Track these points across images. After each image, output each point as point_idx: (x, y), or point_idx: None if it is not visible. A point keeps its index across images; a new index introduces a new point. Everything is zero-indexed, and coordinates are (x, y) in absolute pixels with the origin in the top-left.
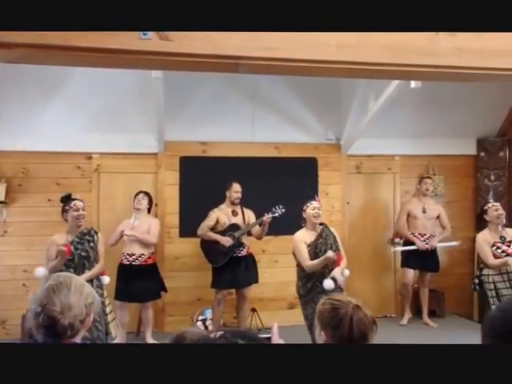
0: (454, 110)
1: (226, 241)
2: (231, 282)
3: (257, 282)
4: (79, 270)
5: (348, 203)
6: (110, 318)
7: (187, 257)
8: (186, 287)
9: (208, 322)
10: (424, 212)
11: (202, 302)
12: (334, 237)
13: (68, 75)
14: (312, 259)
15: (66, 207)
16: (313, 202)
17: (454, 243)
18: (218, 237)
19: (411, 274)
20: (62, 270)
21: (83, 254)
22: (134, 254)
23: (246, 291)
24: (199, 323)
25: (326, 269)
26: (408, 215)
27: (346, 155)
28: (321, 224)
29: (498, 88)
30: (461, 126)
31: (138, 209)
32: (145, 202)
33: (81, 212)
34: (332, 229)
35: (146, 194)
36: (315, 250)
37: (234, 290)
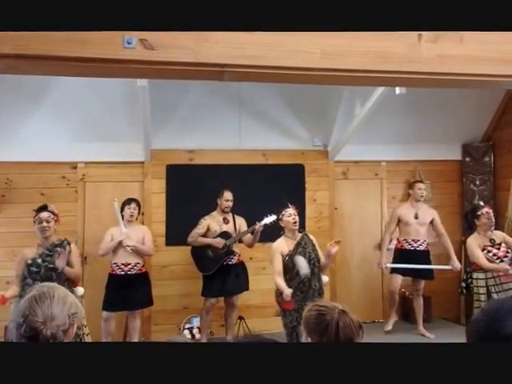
0: (439, 116)
1: (218, 242)
2: (221, 290)
3: (247, 289)
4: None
5: (336, 209)
6: (86, 330)
7: (174, 265)
8: (173, 296)
9: (195, 331)
10: (416, 218)
11: (188, 310)
12: (313, 244)
13: (52, 84)
14: (289, 268)
15: (34, 219)
16: (288, 210)
17: (448, 267)
18: (209, 240)
19: (399, 280)
20: (27, 283)
21: (50, 265)
22: (129, 264)
23: (235, 299)
24: (186, 331)
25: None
26: (399, 221)
27: (333, 161)
28: (300, 231)
29: (481, 94)
30: (446, 131)
31: (130, 220)
32: (136, 212)
33: (44, 224)
34: (311, 236)
35: (137, 202)
36: (292, 260)
37: (221, 298)
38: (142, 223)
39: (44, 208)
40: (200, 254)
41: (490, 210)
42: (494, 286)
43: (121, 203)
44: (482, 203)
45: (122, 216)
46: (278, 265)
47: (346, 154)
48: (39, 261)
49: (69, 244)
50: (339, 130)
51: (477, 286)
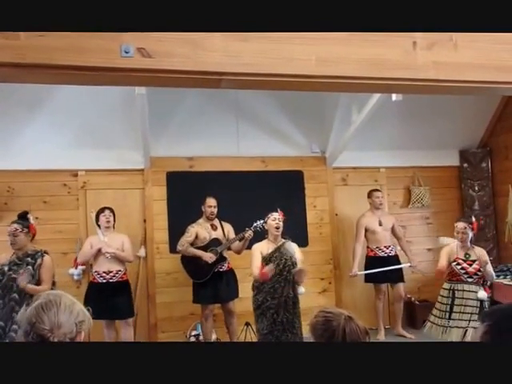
0: (436, 122)
1: (209, 257)
2: (214, 296)
3: (237, 296)
4: (6, 292)
5: (336, 215)
6: None
7: (178, 272)
8: (178, 302)
9: (201, 338)
10: (381, 225)
11: (194, 316)
12: (294, 252)
13: (52, 92)
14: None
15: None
16: (274, 214)
17: (407, 265)
18: (200, 253)
19: (383, 288)
20: None
21: (13, 275)
22: (111, 271)
23: (232, 306)
24: (192, 338)
25: (278, 282)
26: (366, 230)
27: (331, 168)
28: (284, 238)
29: (478, 100)
30: (443, 137)
31: (107, 227)
32: (112, 219)
33: (12, 237)
34: (294, 244)
35: (111, 210)
36: (268, 263)
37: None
38: (145, 230)
39: (22, 216)
40: (190, 261)
41: (466, 227)
42: (458, 298)
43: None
44: (473, 218)
45: (99, 225)
46: (257, 260)
47: (344, 161)
48: (6, 268)
49: (42, 256)
50: (336, 137)
51: (441, 296)
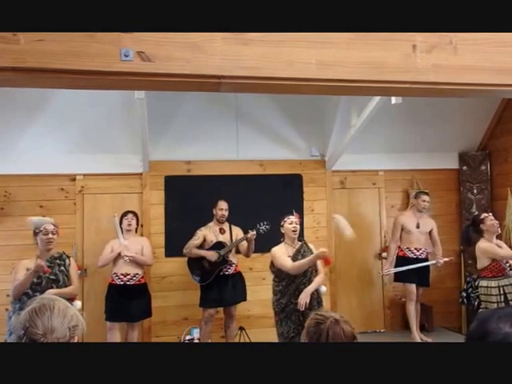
0: (435, 125)
1: (211, 255)
2: (218, 300)
3: (245, 300)
4: None
5: (334, 218)
6: None
7: (173, 276)
8: (173, 307)
9: (195, 342)
10: (418, 227)
11: (188, 321)
12: (312, 253)
13: (50, 96)
14: (286, 275)
15: (36, 230)
16: (290, 217)
17: (434, 261)
18: (203, 252)
19: (414, 288)
20: (27, 293)
21: (52, 277)
22: (128, 274)
23: (234, 309)
24: None
25: (303, 283)
26: (401, 229)
27: (330, 171)
28: (300, 240)
29: (477, 102)
30: (442, 140)
31: (129, 230)
32: (134, 223)
33: (50, 236)
34: (311, 245)
35: (135, 213)
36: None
37: (221, 309)
38: (141, 235)
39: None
40: (195, 264)
41: (491, 214)
42: (509, 293)
43: (119, 216)
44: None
45: (122, 228)
46: (284, 257)
47: (343, 164)
48: (40, 272)
49: (68, 257)
50: (336, 140)
51: (487, 294)
